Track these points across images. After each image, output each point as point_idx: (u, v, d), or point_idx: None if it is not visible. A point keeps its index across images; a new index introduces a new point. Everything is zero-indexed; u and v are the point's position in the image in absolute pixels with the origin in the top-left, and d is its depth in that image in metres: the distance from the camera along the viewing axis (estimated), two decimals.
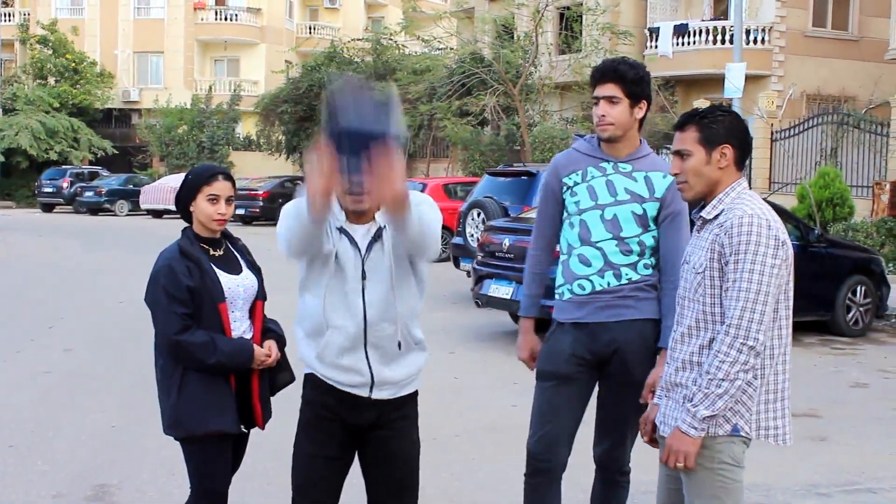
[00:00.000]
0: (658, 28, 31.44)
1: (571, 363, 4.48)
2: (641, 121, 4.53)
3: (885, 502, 6.07)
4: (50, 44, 48.71)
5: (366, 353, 3.68)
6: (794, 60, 30.35)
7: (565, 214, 4.60)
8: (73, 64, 49.02)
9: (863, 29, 31.25)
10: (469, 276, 13.86)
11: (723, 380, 3.34)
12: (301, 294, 3.78)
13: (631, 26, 31.78)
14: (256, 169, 44.14)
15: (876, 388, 9.58)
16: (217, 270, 4.17)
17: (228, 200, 4.20)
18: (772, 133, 24.94)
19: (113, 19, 52.30)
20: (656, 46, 31.25)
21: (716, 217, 3.54)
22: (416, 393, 3.91)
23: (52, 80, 49.11)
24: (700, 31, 30.56)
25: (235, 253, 4.36)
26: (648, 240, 4.47)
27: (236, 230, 23.53)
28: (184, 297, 4.03)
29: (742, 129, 3.61)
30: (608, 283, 4.41)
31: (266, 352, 4.24)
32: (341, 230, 3.62)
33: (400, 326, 3.69)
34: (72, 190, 41.35)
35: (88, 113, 48.97)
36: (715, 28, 30.30)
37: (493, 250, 11.84)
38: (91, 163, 46.93)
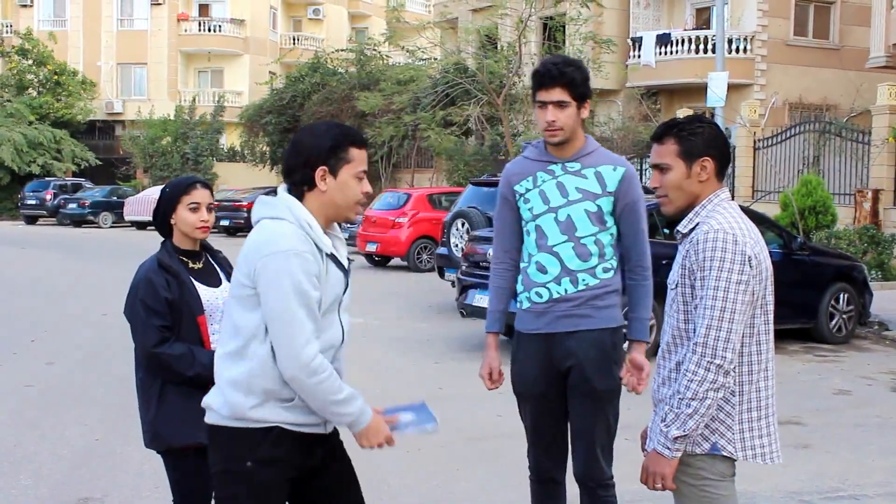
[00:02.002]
0: (641, 38, 31.57)
1: (539, 382, 4.48)
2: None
3: None
4: (29, 55, 48.49)
5: None
6: (776, 69, 30.49)
7: (523, 223, 4.55)
8: (55, 76, 48.85)
9: (844, 37, 31.42)
10: (454, 286, 13.87)
11: (692, 399, 3.26)
12: (247, 348, 3.28)
13: (614, 36, 31.90)
14: (240, 180, 44.04)
15: (859, 396, 9.62)
16: (196, 283, 4.16)
17: (209, 208, 4.21)
18: (754, 142, 25.04)
19: (96, 31, 52.16)
20: (639, 56, 31.38)
21: (692, 230, 3.45)
22: None
23: (33, 92, 48.92)
24: (682, 41, 30.68)
25: (215, 265, 4.35)
26: (606, 238, 4.41)
27: (221, 241, 23.45)
28: (162, 309, 4.03)
29: (721, 140, 3.53)
30: (565, 291, 4.37)
31: None
32: (330, 256, 3.33)
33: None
34: (55, 202, 41.25)
35: (72, 125, 48.81)
36: (697, 37, 30.44)
37: (478, 260, 11.85)
38: (74, 174, 46.73)
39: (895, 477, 6.72)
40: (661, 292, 11.58)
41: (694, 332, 3.34)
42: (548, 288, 4.39)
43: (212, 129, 48.09)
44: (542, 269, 4.41)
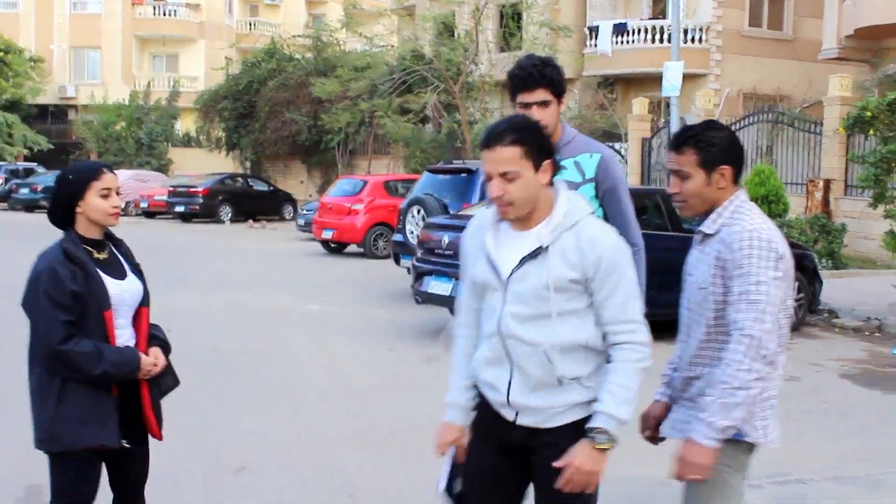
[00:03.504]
0: (598, 27, 31.66)
1: None
2: None
3: (813, 493, 6.19)
4: None
5: (511, 372, 3.38)
6: (730, 59, 30.70)
7: None
8: (2, 55, 48.03)
9: (797, 29, 31.70)
10: (409, 272, 13.86)
11: (738, 388, 3.30)
12: None
13: (570, 25, 31.98)
14: (196, 165, 43.86)
15: (808, 382, 9.73)
16: (103, 275, 3.92)
17: (117, 193, 4.00)
18: None
19: (48, 13, 51.50)
20: (596, 45, 31.47)
21: (717, 232, 3.54)
22: (573, 426, 3.36)
23: None
24: (639, 31, 30.81)
25: (119, 256, 4.12)
26: None
27: (175, 227, 23.33)
28: (68, 302, 3.77)
29: (737, 146, 3.62)
30: None
31: (153, 360, 4.02)
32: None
33: (541, 354, 3.33)
34: (7, 187, 40.66)
35: (23, 108, 48.14)
36: (653, 27, 30.56)
37: (433, 247, 11.85)
38: (26, 158, 46.13)
39: (842, 462, 6.83)
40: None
41: (732, 326, 3.38)
42: None
43: (167, 115, 47.81)
44: None
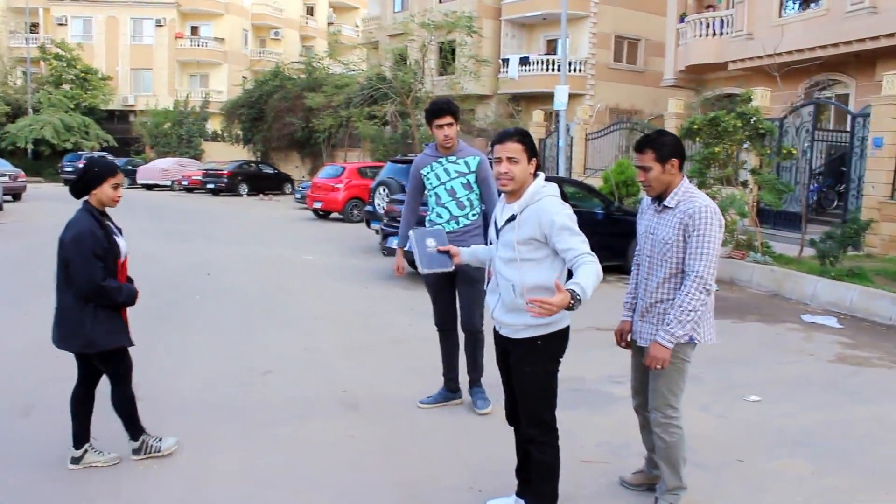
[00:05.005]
0: (508, 58, 31.55)
1: (440, 273, 5.24)
2: None
3: (589, 390, 6.31)
4: (64, 59, 46.35)
5: (498, 296, 3.58)
6: (601, 84, 30.80)
7: (427, 190, 5.47)
8: (84, 74, 46.74)
9: (647, 64, 31.88)
10: (377, 233, 13.85)
11: (691, 311, 3.59)
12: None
13: (489, 56, 31.82)
14: (221, 155, 43.13)
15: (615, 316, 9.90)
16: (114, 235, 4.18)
17: (121, 187, 4.24)
18: (586, 135, 25.38)
19: (115, 43, 49.83)
20: (507, 71, 31.40)
21: (676, 206, 3.66)
22: (527, 341, 3.50)
23: (67, 87, 46.66)
24: (538, 62, 30.74)
25: (110, 222, 4.29)
26: (473, 197, 5.36)
27: (206, 199, 22.83)
28: (102, 255, 4.04)
29: (680, 145, 3.71)
30: (453, 227, 5.30)
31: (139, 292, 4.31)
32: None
33: (511, 286, 3.47)
34: None
35: (97, 113, 46.79)
36: (548, 60, 30.52)
37: (394, 216, 11.85)
38: (101, 149, 44.89)
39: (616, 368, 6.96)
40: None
41: (689, 269, 3.61)
42: (442, 226, 5.28)
43: (200, 118, 46.69)
44: (439, 216, 5.39)
